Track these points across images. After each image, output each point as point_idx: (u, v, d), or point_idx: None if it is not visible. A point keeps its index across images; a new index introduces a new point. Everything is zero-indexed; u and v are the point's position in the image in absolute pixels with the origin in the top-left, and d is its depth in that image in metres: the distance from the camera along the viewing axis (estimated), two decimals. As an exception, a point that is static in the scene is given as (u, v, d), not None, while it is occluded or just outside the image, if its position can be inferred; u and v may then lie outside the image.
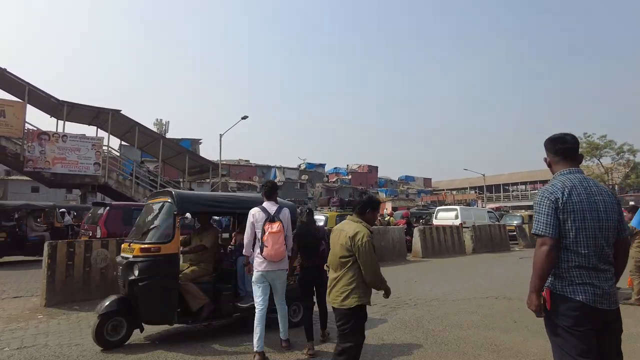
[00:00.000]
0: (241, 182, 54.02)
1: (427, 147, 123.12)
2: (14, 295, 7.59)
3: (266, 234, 4.18)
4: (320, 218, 13.48)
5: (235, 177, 55.81)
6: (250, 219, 4.34)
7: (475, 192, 59.53)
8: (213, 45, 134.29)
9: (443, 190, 66.17)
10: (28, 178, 23.67)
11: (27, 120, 18.91)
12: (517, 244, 18.49)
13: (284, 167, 60.15)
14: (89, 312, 6.20)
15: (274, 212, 4.32)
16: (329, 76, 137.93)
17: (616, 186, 43.11)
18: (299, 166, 64.29)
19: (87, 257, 6.79)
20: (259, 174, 58.79)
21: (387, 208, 51.43)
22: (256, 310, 4.22)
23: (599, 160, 41.26)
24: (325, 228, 7.26)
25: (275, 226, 4.21)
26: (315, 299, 4.68)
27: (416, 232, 13.89)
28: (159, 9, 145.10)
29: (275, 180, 53.96)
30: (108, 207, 9.39)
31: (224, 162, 58.27)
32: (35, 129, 19.05)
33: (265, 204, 4.41)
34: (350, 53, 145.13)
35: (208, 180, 25.81)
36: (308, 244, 4.61)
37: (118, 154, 22.52)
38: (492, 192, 62.67)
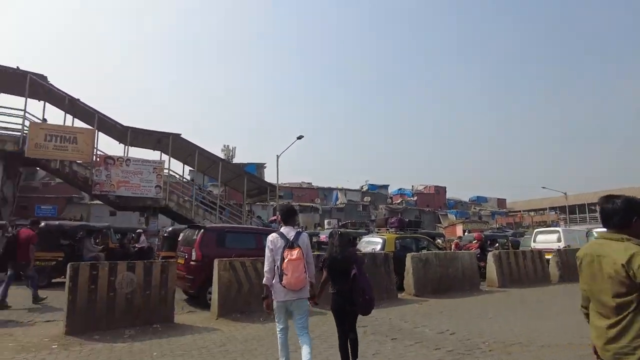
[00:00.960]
0: (303, 204, 53.85)
1: (500, 165, 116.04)
2: (48, 319, 7.21)
3: (285, 261, 3.92)
4: (376, 241, 12.31)
5: (298, 200, 55.87)
6: (268, 245, 4.09)
7: (556, 213, 54.16)
8: (275, 68, 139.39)
9: (519, 211, 61.14)
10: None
11: (97, 146, 19.97)
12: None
13: (346, 189, 59.23)
14: (106, 343, 5.53)
15: (292, 237, 4.06)
16: (392, 96, 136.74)
17: None
18: (362, 188, 63.05)
19: (111, 281, 6.20)
20: (320, 196, 58.39)
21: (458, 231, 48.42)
22: (279, 340, 4.09)
23: None
24: (359, 252, 6.77)
25: (295, 253, 3.95)
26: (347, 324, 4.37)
27: (490, 257, 12.08)
28: (225, 37, 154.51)
29: (337, 203, 53.43)
30: (202, 230, 9.18)
31: (287, 185, 58.89)
32: (102, 154, 19.95)
33: (284, 229, 4.17)
34: (414, 65, 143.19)
35: (269, 202, 25.46)
36: (338, 269, 4.27)
37: (177, 176, 22.90)
38: (575, 213, 56.75)
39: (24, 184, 41.58)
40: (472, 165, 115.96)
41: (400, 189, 70.62)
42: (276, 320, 4.11)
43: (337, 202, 56.68)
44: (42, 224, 11.22)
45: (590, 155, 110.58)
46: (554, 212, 55.73)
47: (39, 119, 19.61)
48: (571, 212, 55.71)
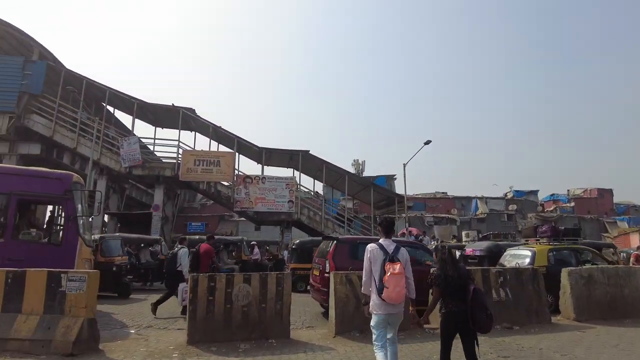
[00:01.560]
0: (438, 215, 51.09)
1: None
2: (181, 327, 7.64)
3: (387, 274, 3.92)
4: (523, 254, 10.51)
5: (432, 211, 53.30)
6: (367, 254, 4.15)
7: None
8: (397, 78, 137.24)
9: None
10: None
11: (237, 166, 21.87)
12: None
13: (487, 197, 54.37)
14: (220, 356, 5.50)
15: (392, 250, 4.09)
16: (536, 87, 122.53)
17: None
18: (505, 195, 57.24)
19: (228, 293, 6.23)
20: (457, 206, 54.70)
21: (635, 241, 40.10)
22: (378, 356, 4.01)
23: None
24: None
25: (397, 267, 3.96)
26: (465, 348, 3.97)
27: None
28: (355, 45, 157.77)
29: (477, 212, 49.39)
30: (335, 241, 9.28)
31: (419, 196, 56.75)
32: (241, 173, 21.73)
33: (383, 242, 4.20)
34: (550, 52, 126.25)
35: (397, 215, 24.55)
36: (454, 286, 3.96)
37: (307, 191, 23.59)
38: None
39: (187, 205, 48.28)
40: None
41: (553, 195, 62.49)
42: (374, 337, 4.07)
43: (477, 212, 52.31)
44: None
45: None
46: None
47: (189, 147, 22.36)
48: None
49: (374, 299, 4.02)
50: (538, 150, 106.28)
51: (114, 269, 11.18)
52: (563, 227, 12.62)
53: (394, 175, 63.67)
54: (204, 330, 6.07)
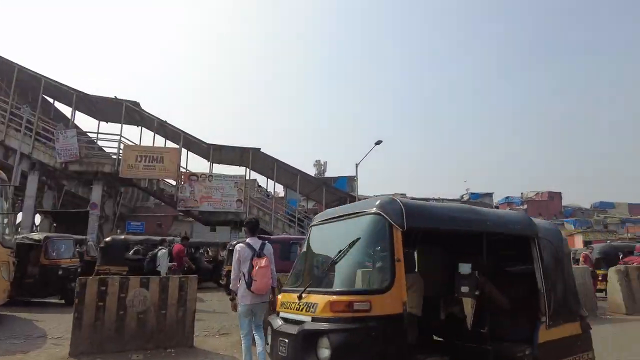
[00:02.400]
0: (396, 216, 51.62)
1: (633, 164, 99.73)
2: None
3: (255, 268, 4.29)
4: None
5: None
6: (236, 255, 4.51)
7: None
8: (364, 79, 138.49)
9: (660, 218, 51.38)
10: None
11: (186, 164, 20.95)
12: None
13: (443, 199, 55.36)
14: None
15: (258, 247, 4.49)
16: (488, 94, 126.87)
17: None
18: (462, 197, 58.54)
19: (121, 298, 5.56)
20: (418, 208, 55.47)
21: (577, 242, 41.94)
22: (243, 344, 4.39)
23: None
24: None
25: (264, 261, 4.36)
26: None
27: (614, 274, 9.37)
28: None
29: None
30: (266, 242, 8.64)
31: (379, 197, 57.09)
32: (187, 171, 20.79)
33: (250, 240, 4.59)
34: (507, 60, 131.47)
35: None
36: None
37: (266, 190, 22.92)
38: None
39: (139, 205, 46.23)
40: (594, 165, 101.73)
41: (507, 197, 64.64)
42: (240, 326, 4.47)
43: (435, 213, 53.26)
44: (109, 238, 11.46)
45: None
46: None
47: (133, 142, 21.17)
48: None
49: (241, 291, 4.38)
50: (495, 154, 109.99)
51: (60, 272, 9.96)
52: None
53: (355, 176, 63.97)
54: (91, 340, 5.38)
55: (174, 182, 20.81)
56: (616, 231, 47.01)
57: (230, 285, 4.56)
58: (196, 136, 21.40)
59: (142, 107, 21.40)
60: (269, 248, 4.57)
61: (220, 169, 34.94)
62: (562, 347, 3.07)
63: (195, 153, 23.32)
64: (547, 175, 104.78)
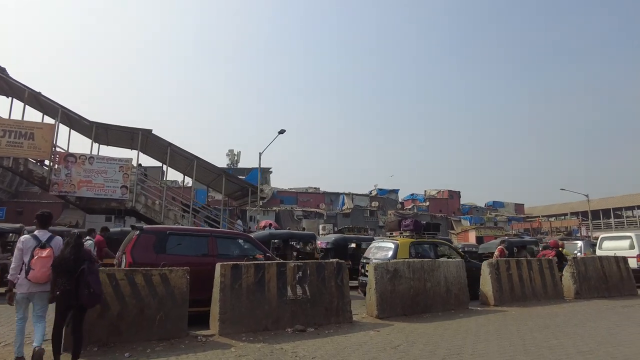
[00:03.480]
0: (307, 209, 51.64)
1: (519, 169, 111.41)
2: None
3: (35, 258, 4.41)
4: (387, 246, 10.58)
5: (302, 205, 53.73)
6: (19, 245, 4.54)
7: (578, 218, 50.61)
8: (282, 70, 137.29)
9: (537, 217, 57.69)
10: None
11: (67, 144, 18.34)
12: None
13: (353, 194, 56.79)
14: None
15: (45, 239, 4.58)
16: (401, 96, 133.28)
17: None
18: (370, 192, 60.53)
19: None
20: (327, 201, 56.12)
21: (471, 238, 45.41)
22: (17, 327, 4.53)
23: None
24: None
25: (46, 252, 4.48)
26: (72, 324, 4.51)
27: (486, 266, 9.62)
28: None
29: (343, 208, 51.02)
30: (138, 232, 7.60)
31: (292, 190, 56.83)
32: (63, 151, 18.23)
33: (37, 232, 4.66)
34: (422, 66, 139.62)
35: (248, 206, 23.30)
36: (68, 267, 4.35)
37: (144, 175, 20.83)
38: (599, 219, 52.99)
39: (23, 189, 40.60)
40: (489, 169, 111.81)
41: (412, 195, 68.13)
42: (16, 311, 4.54)
43: (344, 207, 54.27)
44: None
45: (614, 159, 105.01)
46: (575, 218, 52.16)
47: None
48: (595, 217, 51.98)
49: (20, 280, 4.43)
50: (403, 153, 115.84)
51: None
52: (425, 222, 12.94)
53: (270, 168, 62.92)
54: None
55: (46, 162, 18.13)
56: (503, 228, 51.80)
57: (9, 275, 4.49)
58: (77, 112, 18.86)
59: (10, 74, 18.34)
60: (57, 241, 4.65)
61: (108, 151, 31.58)
62: None
63: (78, 132, 20.64)
64: (449, 175, 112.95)
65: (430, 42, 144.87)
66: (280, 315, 6.60)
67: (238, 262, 6.61)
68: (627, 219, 51.75)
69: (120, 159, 18.97)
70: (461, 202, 66.75)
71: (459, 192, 67.63)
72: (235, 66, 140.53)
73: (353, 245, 16.32)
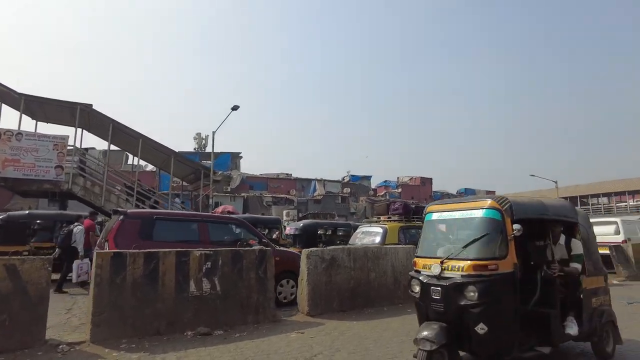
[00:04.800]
0: (277, 195, 50.23)
1: (491, 156, 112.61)
2: None
3: None
4: (375, 231, 10.10)
5: (273, 191, 52.28)
6: None
7: (547, 206, 50.97)
8: (256, 60, 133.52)
9: (508, 204, 57.99)
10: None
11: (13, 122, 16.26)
12: (613, 272, 12.27)
13: (325, 180, 55.65)
14: None
15: None
16: (375, 83, 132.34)
17: None
18: (343, 179, 59.54)
19: None
20: (298, 187, 54.79)
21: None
22: None
23: None
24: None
25: None
26: None
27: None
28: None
29: (315, 194, 49.91)
30: (122, 217, 6.96)
31: (262, 176, 55.22)
32: (-15, 126, 16.22)
33: None
34: (398, 52, 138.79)
35: (201, 191, 21.74)
36: None
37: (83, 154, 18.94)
38: (568, 206, 53.70)
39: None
40: (462, 156, 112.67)
41: (385, 181, 67.69)
42: None
43: (315, 194, 53.13)
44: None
45: (581, 148, 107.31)
46: (544, 205, 52.54)
47: None
48: (563, 204, 52.64)
49: None
50: (380, 141, 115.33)
51: None
52: (414, 205, 12.47)
53: (240, 153, 61.02)
54: None
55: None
56: (473, 214, 51.79)
57: None
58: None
59: None
60: None
61: (44, 128, 29.23)
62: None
63: (11, 106, 18.54)
64: (420, 162, 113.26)
65: (409, 32, 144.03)
66: (178, 315, 5.30)
67: (121, 251, 5.25)
68: (593, 206, 52.57)
69: (55, 136, 17.04)
70: (433, 189, 66.75)
71: (431, 179, 67.72)
72: (204, 47, 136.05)
73: (329, 231, 15.12)
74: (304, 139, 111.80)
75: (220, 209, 21.65)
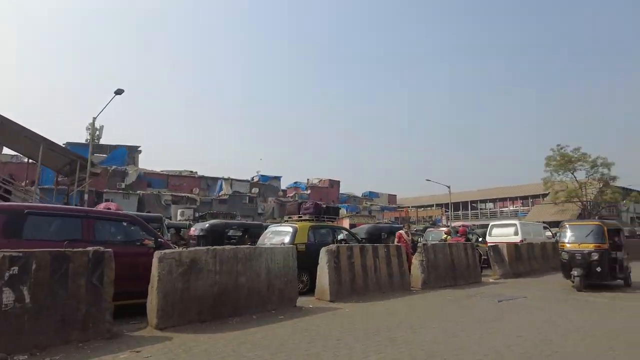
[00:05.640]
0: (178, 194, 47.15)
1: (395, 163, 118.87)
2: None
3: None
4: (285, 230, 9.79)
5: (174, 189, 49.01)
6: None
7: (441, 209, 54.91)
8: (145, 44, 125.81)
9: (407, 207, 61.46)
10: None
11: None
12: (489, 271, 12.93)
13: (233, 179, 53.68)
14: None
15: None
16: (288, 83, 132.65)
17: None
18: (252, 178, 58.02)
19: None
20: (203, 186, 52.10)
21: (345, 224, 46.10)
22: None
23: (572, 174, 37.24)
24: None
25: None
26: None
27: (324, 253, 7.98)
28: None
29: (221, 193, 47.68)
30: None
31: (162, 172, 51.51)
32: None
33: None
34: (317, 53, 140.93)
35: (75, 186, 19.16)
36: None
37: None
38: (458, 210, 58.36)
39: None
40: (367, 159, 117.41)
41: (296, 182, 67.54)
42: None
43: (221, 193, 50.93)
44: None
45: (471, 155, 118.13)
46: (439, 208, 56.51)
47: None
48: (455, 208, 57.03)
49: None
50: (291, 141, 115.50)
51: None
52: (325, 205, 12.36)
53: (139, 146, 56.33)
54: None
55: None
56: (375, 216, 53.82)
57: None
58: None
59: None
60: None
61: None
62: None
63: None
64: (335, 165, 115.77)
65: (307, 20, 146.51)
66: (-42, 338, 3.96)
67: None
68: (481, 211, 57.68)
69: None
70: (340, 191, 68.17)
71: (339, 181, 69.02)
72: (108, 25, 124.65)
73: (240, 232, 13.89)
74: (216, 137, 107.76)
75: (101, 206, 19.22)
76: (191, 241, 12.71)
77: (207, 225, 13.63)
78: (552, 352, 4.60)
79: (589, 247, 9.60)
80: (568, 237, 10.22)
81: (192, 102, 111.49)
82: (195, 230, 13.46)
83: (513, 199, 54.70)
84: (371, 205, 65.26)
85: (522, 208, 51.67)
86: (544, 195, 43.79)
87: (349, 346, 4.74)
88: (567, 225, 10.65)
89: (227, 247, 6.40)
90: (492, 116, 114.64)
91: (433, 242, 11.89)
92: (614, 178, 36.73)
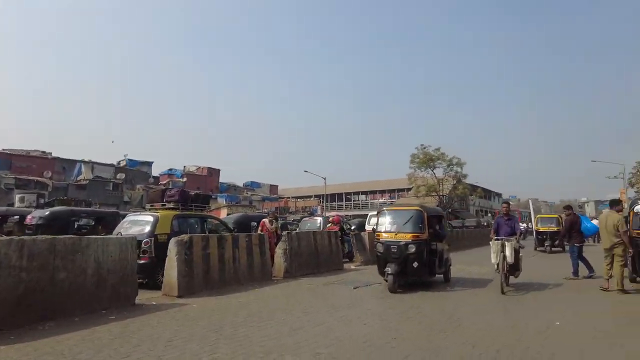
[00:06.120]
0: (25, 177, 40.43)
1: (278, 154, 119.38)
2: None
3: None
4: (144, 219, 8.92)
5: (20, 172, 41.85)
6: None
7: (319, 200, 56.82)
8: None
9: (287, 197, 62.27)
10: None
11: None
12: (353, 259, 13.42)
13: (95, 163, 47.90)
14: None
15: None
16: (179, 65, 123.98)
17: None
18: (119, 163, 52.56)
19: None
20: (58, 169, 45.52)
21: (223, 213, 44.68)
22: None
23: (432, 171, 41.54)
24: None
25: None
26: None
27: (173, 244, 7.19)
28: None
29: (79, 178, 42.21)
30: None
31: (5, 152, 43.62)
32: None
33: None
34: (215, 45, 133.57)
35: None
36: None
37: None
38: (334, 201, 61.06)
39: None
40: (250, 149, 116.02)
41: (171, 169, 63.24)
42: None
43: (80, 178, 45.08)
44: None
45: (350, 150, 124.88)
46: (317, 199, 58.34)
47: None
48: (332, 199, 59.59)
49: None
50: (170, 125, 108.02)
51: None
52: (194, 193, 11.43)
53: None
54: None
55: None
56: (255, 206, 53.33)
57: None
58: None
59: None
60: None
61: None
62: None
63: None
64: (217, 152, 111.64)
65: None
66: None
67: None
68: (354, 202, 61.17)
69: None
70: (220, 181, 66.02)
71: (219, 170, 66.76)
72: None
73: (91, 221, 11.82)
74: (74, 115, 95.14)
75: None
76: (27, 231, 10.71)
77: (47, 212, 11.65)
78: (391, 339, 4.65)
79: (406, 237, 7.78)
80: (385, 225, 8.31)
81: (50, 72, 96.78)
82: (32, 218, 11.36)
83: (382, 192, 59.13)
84: (252, 195, 64.43)
85: (390, 200, 56.08)
86: (409, 189, 48.06)
87: (180, 348, 4.17)
88: (386, 211, 8.79)
89: (41, 237, 5.25)
90: (373, 117, 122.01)
91: (299, 232, 11.79)
92: (465, 176, 41.82)
